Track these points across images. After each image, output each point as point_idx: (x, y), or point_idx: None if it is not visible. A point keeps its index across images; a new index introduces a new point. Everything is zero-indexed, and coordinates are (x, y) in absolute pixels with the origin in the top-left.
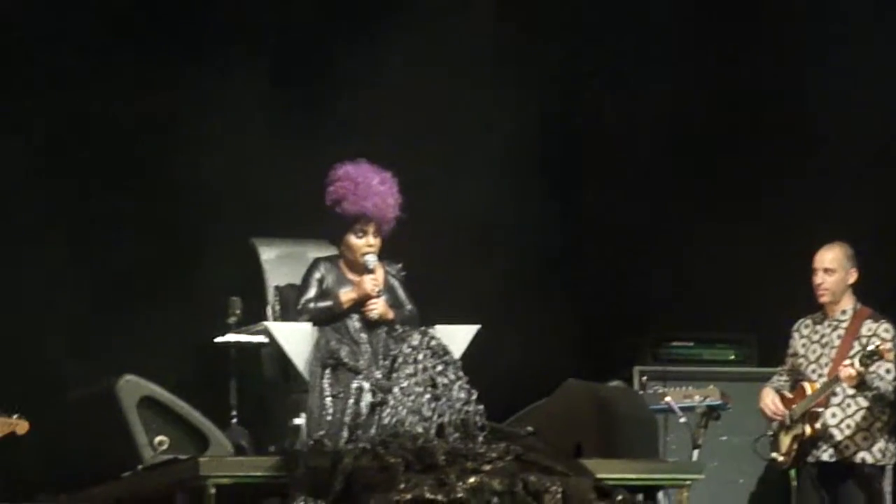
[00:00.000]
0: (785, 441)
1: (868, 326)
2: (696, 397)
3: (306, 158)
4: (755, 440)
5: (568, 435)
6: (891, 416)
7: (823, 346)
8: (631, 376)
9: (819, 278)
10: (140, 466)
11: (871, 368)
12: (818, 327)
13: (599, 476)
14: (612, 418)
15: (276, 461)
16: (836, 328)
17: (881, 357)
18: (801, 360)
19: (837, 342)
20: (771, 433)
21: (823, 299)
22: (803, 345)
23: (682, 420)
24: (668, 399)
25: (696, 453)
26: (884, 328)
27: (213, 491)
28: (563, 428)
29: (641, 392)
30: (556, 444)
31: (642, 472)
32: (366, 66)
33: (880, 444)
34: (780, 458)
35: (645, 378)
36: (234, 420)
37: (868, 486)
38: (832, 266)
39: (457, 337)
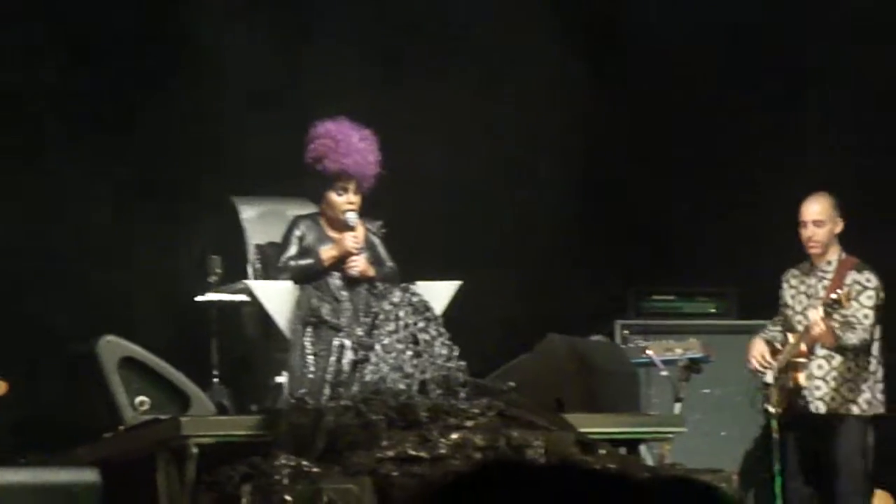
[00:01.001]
0: (774, 393)
1: (852, 277)
2: (678, 350)
3: (286, 115)
4: (753, 393)
5: (549, 390)
6: (876, 367)
7: (809, 297)
8: (612, 330)
9: (809, 231)
10: (121, 427)
11: (849, 313)
12: (805, 278)
13: (581, 430)
14: (593, 372)
15: (258, 420)
16: (821, 279)
17: (842, 305)
18: (789, 311)
19: (823, 293)
20: (765, 384)
21: (814, 251)
22: (791, 296)
23: (664, 373)
24: (649, 352)
25: (677, 406)
26: (865, 277)
27: (195, 450)
28: (544, 383)
29: (623, 346)
30: (537, 399)
31: (624, 426)
32: (345, 21)
33: (866, 396)
34: (773, 410)
35: (626, 332)
36: (216, 379)
37: (855, 438)
38: (821, 217)
39: (438, 293)
